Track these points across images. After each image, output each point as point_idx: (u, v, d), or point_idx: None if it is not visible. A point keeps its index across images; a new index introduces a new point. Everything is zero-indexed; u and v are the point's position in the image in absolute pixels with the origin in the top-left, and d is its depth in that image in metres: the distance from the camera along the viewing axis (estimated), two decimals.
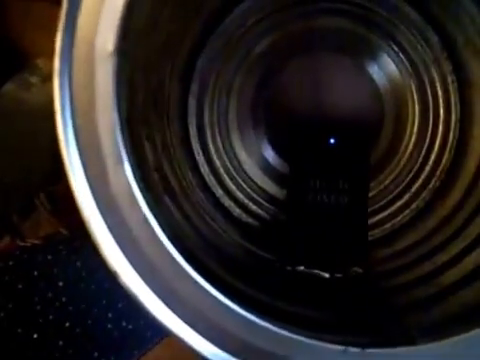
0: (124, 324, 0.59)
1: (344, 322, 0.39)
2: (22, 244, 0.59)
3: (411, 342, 0.33)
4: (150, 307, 0.31)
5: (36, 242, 0.59)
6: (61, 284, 0.59)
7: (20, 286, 0.59)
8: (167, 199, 0.43)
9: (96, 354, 0.59)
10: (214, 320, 0.31)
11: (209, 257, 0.42)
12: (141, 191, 0.30)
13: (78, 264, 0.59)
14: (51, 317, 0.59)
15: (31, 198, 0.60)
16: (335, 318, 0.40)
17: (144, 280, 0.30)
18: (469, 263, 0.44)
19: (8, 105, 0.59)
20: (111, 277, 0.30)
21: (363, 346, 0.31)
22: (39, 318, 0.58)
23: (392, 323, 0.40)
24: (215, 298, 0.31)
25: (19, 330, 0.59)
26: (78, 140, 0.30)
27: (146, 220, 0.30)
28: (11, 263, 0.59)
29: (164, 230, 0.32)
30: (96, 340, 0.59)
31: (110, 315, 0.59)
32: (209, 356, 0.31)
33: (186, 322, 0.31)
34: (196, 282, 0.31)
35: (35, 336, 0.59)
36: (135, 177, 0.31)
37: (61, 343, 0.58)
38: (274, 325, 0.31)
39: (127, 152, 0.30)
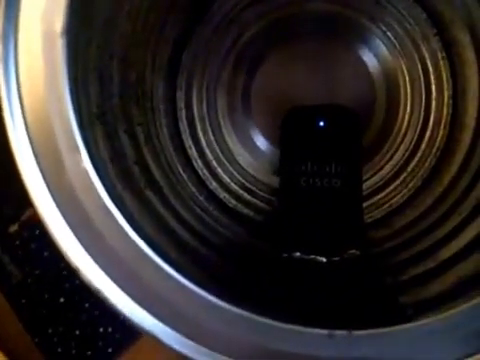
0: None
1: (337, 306, 0.36)
2: None
3: (405, 321, 0.30)
4: (116, 302, 0.28)
5: None
6: None
7: (46, 253, 0.59)
8: (150, 193, 0.40)
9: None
10: (189, 313, 0.28)
11: (194, 247, 0.39)
12: (100, 180, 0.27)
13: None
14: (77, 282, 0.56)
15: None
16: (328, 303, 0.37)
17: (107, 273, 0.27)
18: (466, 236, 0.42)
19: None
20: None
21: (350, 329, 0.27)
22: (65, 283, 0.59)
23: (388, 303, 0.37)
24: (185, 287, 0.28)
25: (46, 295, 0.59)
26: (28, 128, 0.27)
27: (107, 210, 0.27)
28: (37, 232, 0.59)
29: (133, 221, 0.29)
30: None
31: None
32: (190, 354, 0.28)
33: (157, 317, 0.28)
34: (159, 267, 0.28)
35: (62, 300, 0.59)
36: (97, 166, 0.28)
37: (87, 306, 0.58)
38: (254, 313, 0.28)
39: (83, 139, 0.27)
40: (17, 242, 0.60)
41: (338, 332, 0.27)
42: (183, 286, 0.28)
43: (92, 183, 0.27)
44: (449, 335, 0.28)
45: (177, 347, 0.27)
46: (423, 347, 0.28)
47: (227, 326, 0.28)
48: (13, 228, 0.60)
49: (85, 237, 0.27)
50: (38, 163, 0.28)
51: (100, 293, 0.27)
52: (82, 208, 0.27)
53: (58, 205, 0.27)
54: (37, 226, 0.59)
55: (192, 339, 0.28)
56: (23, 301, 0.59)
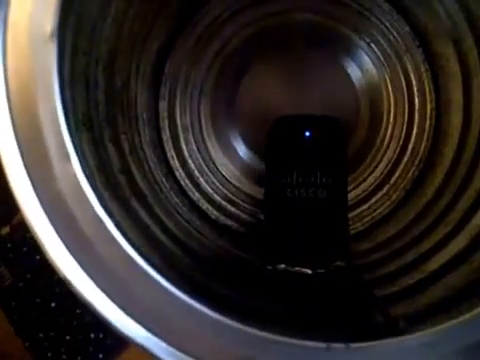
0: None
1: (328, 318, 0.35)
2: None
3: (399, 333, 0.29)
4: (108, 315, 0.26)
5: None
6: None
7: (38, 257, 0.59)
8: (135, 202, 0.39)
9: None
10: (180, 324, 0.27)
11: (179, 257, 0.38)
12: (93, 189, 0.26)
13: None
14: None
15: None
16: (318, 315, 0.36)
17: (98, 284, 0.26)
18: (453, 248, 0.41)
19: None
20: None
21: (347, 341, 0.27)
22: (56, 287, 0.58)
23: (378, 315, 0.36)
24: (178, 299, 0.27)
25: (38, 300, 0.59)
26: (17, 135, 0.26)
27: (98, 218, 0.26)
28: (28, 235, 0.56)
29: (122, 230, 0.28)
30: None
31: None
32: None
33: (149, 330, 0.27)
34: (152, 279, 0.27)
35: (53, 305, 0.59)
36: (87, 175, 0.27)
37: (78, 311, 0.58)
38: (248, 325, 0.27)
39: (74, 147, 0.26)
40: (8, 245, 0.59)
41: (335, 345, 0.27)
42: (175, 297, 0.27)
43: (83, 191, 0.26)
44: (446, 348, 0.28)
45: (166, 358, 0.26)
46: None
47: (220, 338, 0.27)
48: (5, 230, 0.59)
49: (74, 245, 0.26)
50: (27, 169, 0.27)
51: (88, 302, 0.26)
52: (72, 216, 0.26)
53: (47, 213, 0.26)
54: (28, 229, 0.59)
55: (183, 351, 0.27)
56: (13, 304, 0.59)
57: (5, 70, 0.26)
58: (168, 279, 0.27)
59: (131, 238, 0.32)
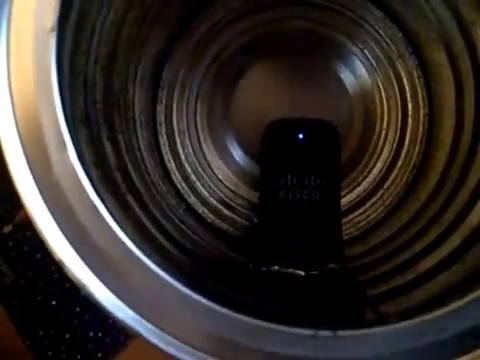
0: None
1: (317, 313, 0.36)
2: None
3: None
4: (102, 300, 0.27)
5: None
6: None
7: (38, 255, 0.60)
8: (132, 200, 0.40)
9: (111, 320, 0.61)
10: (176, 313, 0.28)
11: (175, 255, 0.39)
12: (90, 180, 0.27)
13: None
14: (68, 285, 0.58)
15: None
16: (308, 310, 0.37)
17: (93, 271, 0.27)
18: (446, 248, 0.42)
19: None
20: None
21: (334, 329, 0.28)
22: (57, 286, 0.59)
23: (369, 313, 0.37)
24: (175, 288, 0.27)
25: (38, 298, 0.60)
26: (17, 125, 0.27)
27: (94, 206, 0.27)
28: (29, 233, 0.59)
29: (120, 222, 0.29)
30: None
31: None
32: (174, 353, 0.28)
33: (145, 317, 0.27)
34: (150, 270, 0.28)
35: (53, 303, 0.59)
36: (84, 167, 0.28)
37: (78, 309, 0.59)
38: (237, 313, 0.28)
39: (72, 139, 0.27)
40: (10, 243, 0.60)
41: (322, 332, 0.27)
42: (170, 285, 0.28)
43: (79, 180, 0.27)
44: (434, 336, 0.28)
45: (161, 345, 0.27)
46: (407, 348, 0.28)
47: (211, 325, 0.28)
48: (7, 229, 0.60)
49: (71, 233, 0.27)
50: (27, 159, 0.28)
51: (85, 290, 0.27)
52: (68, 204, 0.27)
53: (45, 201, 0.27)
54: (29, 228, 0.59)
55: (176, 338, 0.28)
56: (15, 302, 0.59)
57: (8, 63, 0.27)
58: (163, 268, 0.28)
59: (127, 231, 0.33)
